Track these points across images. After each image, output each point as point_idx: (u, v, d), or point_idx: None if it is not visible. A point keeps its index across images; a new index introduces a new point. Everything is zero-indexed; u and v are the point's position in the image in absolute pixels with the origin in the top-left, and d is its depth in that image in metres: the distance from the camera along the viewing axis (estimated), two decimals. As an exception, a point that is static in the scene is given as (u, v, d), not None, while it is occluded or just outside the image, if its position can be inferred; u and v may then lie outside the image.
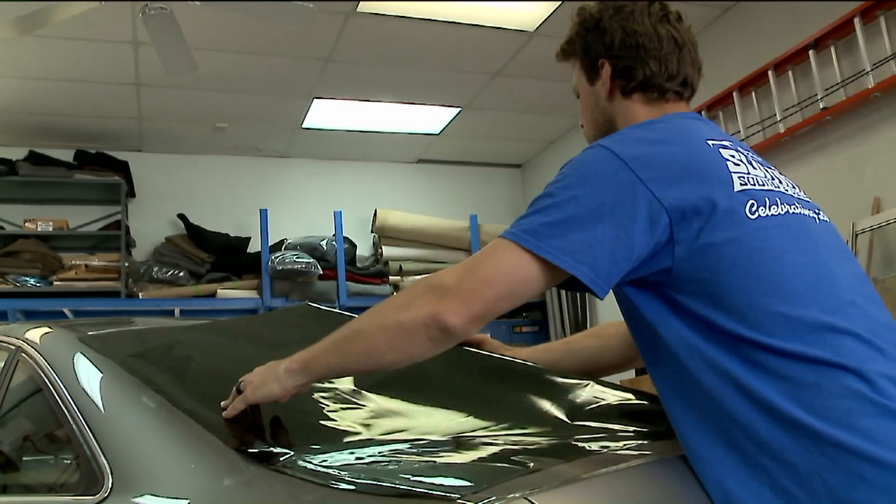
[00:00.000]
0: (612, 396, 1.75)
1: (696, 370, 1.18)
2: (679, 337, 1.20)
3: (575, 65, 1.55)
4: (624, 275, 1.19)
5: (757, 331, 1.15)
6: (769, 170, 1.32)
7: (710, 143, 1.28)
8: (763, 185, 1.25)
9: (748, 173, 1.25)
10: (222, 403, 1.39)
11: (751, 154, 1.33)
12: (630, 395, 1.73)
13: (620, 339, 1.72)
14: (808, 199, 1.34)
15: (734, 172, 1.23)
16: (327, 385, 1.81)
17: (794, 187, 1.34)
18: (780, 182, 1.31)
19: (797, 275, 1.19)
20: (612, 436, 1.45)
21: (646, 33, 1.41)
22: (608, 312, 6.33)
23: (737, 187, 1.21)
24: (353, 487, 1.08)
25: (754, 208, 1.20)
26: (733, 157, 1.26)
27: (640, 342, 1.30)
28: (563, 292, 6.57)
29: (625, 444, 1.35)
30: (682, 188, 1.18)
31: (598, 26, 1.47)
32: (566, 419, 1.63)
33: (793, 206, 1.26)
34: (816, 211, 1.33)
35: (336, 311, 2.50)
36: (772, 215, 1.22)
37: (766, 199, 1.23)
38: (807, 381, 1.12)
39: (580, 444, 1.37)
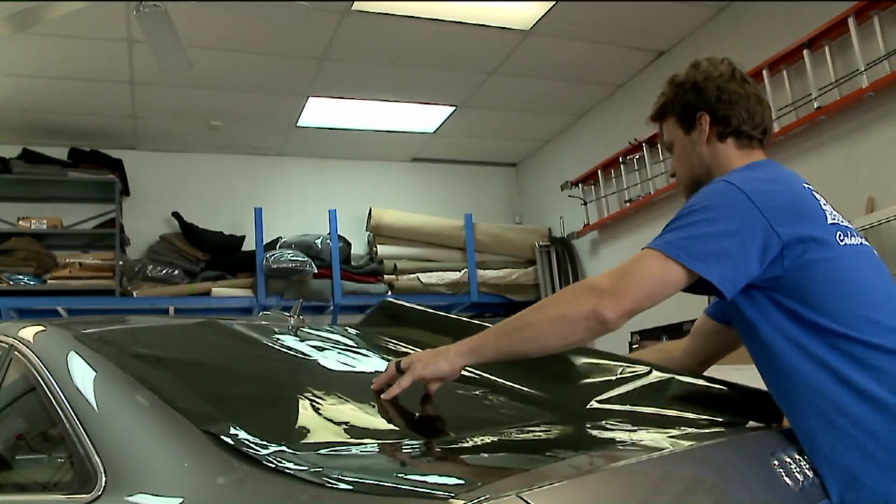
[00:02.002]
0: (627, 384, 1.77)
1: (795, 359, 1.48)
2: (782, 332, 1.50)
3: (668, 122, 1.87)
4: (743, 282, 1.49)
5: (848, 328, 1.45)
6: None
7: (805, 186, 1.64)
8: (842, 221, 1.61)
9: (833, 211, 1.61)
10: (377, 382, 1.61)
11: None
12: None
13: (682, 353, 2.05)
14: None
15: (825, 210, 1.59)
16: (322, 384, 1.81)
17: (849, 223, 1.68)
18: (844, 218, 1.66)
19: (874, 290, 1.54)
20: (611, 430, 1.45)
21: (734, 91, 1.77)
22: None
23: (829, 221, 1.56)
24: (346, 486, 1.08)
25: (841, 238, 1.55)
26: (820, 198, 1.63)
27: (749, 340, 1.60)
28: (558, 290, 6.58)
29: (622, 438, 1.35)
30: (792, 220, 1.50)
31: (695, 86, 1.79)
32: (575, 407, 1.64)
33: (861, 239, 1.63)
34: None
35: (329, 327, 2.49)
36: (852, 244, 1.57)
37: (848, 231, 1.59)
38: (886, 367, 1.43)
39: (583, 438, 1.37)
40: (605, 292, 1.44)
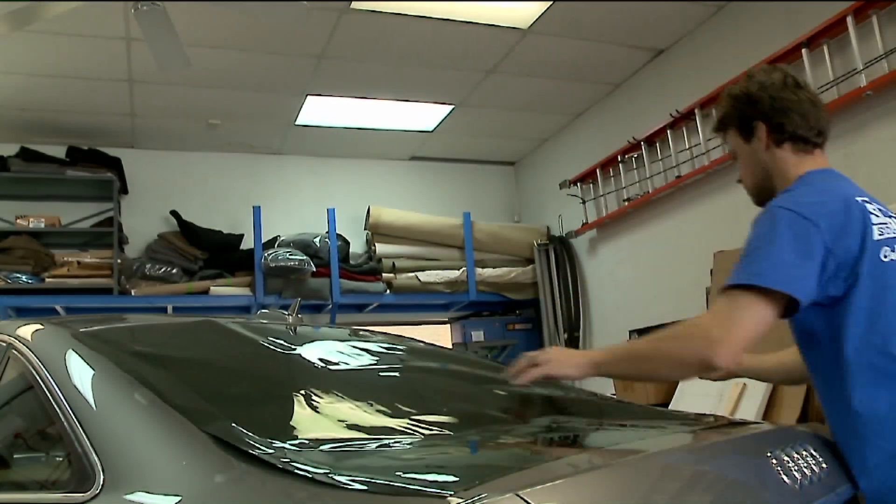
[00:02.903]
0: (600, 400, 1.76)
1: (841, 373, 1.65)
2: (834, 347, 1.66)
3: (729, 133, 1.97)
4: (812, 299, 1.63)
5: (882, 344, 1.63)
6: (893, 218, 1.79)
7: (857, 199, 1.73)
8: (893, 234, 1.71)
9: (884, 224, 1.71)
10: (512, 370, 1.79)
11: (884, 208, 1.79)
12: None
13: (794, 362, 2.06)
14: None
15: (874, 224, 1.68)
16: (319, 383, 1.81)
17: None
18: None
19: None
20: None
21: (787, 98, 1.87)
22: (599, 312, 6.34)
23: (876, 236, 1.67)
24: (344, 484, 1.08)
25: (886, 254, 1.68)
26: (874, 211, 1.72)
27: (810, 353, 1.75)
28: (556, 291, 6.58)
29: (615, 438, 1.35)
30: (844, 239, 1.64)
31: (749, 98, 1.89)
32: (560, 415, 1.64)
33: None
34: None
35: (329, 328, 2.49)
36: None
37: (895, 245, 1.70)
38: None
39: (570, 440, 1.37)
40: (718, 343, 1.58)
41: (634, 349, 1.81)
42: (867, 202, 1.74)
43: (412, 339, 2.54)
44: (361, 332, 2.43)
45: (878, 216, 1.71)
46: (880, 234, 1.68)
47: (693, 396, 4.51)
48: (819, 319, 1.69)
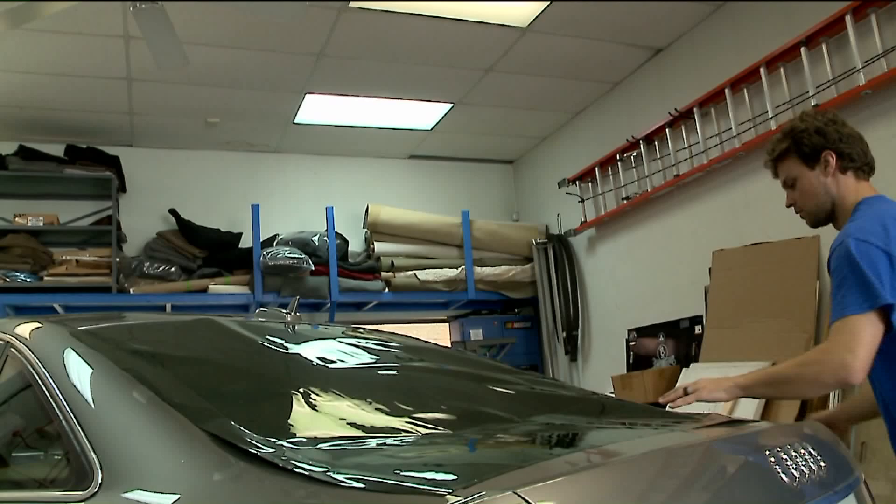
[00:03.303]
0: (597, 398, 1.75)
1: None
2: None
3: (788, 162, 2.27)
4: None
5: None
6: None
7: None
8: None
9: None
10: (666, 398, 2.13)
11: None
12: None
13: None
14: None
15: None
16: (318, 381, 1.81)
17: None
18: None
19: None
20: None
21: (850, 133, 2.25)
22: (597, 310, 6.34)
23: None
24: (342, 482, 1.08)
25: None
26: None
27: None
28: (555, 289, 6.59)
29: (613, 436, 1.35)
30: None
31: (818, 131, 2.22)
32: (558, 415, 1.64)
33: None
34: None
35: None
36: None
37: None
38: None
39: (568, 438, 1.37)
40: (850, 364, 1.91)
41: (777, 374, 2.13)
42: None
43: (410, 337, 2.54)
44: (359, 330, 2.43)
45: None
46: None
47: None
48: None
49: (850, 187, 2.21)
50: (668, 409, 2.14)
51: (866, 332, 1.92)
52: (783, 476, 1.33)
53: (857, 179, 2.23)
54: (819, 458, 1.46)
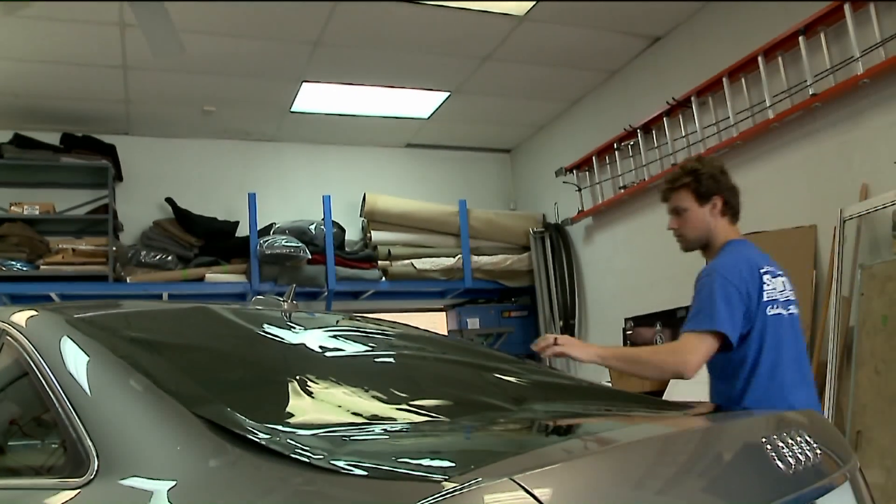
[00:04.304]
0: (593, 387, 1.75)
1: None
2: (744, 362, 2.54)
3: (683, 193, 2.70)
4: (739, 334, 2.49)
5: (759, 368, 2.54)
6: (784, 279, 2.64)
7: (759, 264, 2.57)
8: (776, 297, 2.54)
9: (773, 289, 2.54)
10: (539, 344, 2.51)
11: (774, 269, 2.62)
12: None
13: None
14: (790, 299, 2.63)
15: (764, 289, 2.53)
16: (315, 369, 1.81)
17: (789, 290, 2.63)
18: (785, 288, 2.60)
19: (785, 348, 2.54)
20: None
21: (733, 185, 2.75)
22: (594, 299, 6.35)
23: (764, 298, 2.52)
24: (340, 469, 1.08)
25: (769, 309, 2.52)
26: (767, 280, 2.55)
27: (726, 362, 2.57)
28: (552, 278, 6.59)
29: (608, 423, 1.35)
30: (752, 295, 2.50)
31: (714, 177, 2.69)
32: (552, 403, 1.64)
33: (788, 310, 2.58)
34: (791, 308, 2.61)
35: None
36: (774, 314, 2.52)
37: (775, 304, 2.54)
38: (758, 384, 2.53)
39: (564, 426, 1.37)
40: (690, 366, 2.42)
41: (633, 354, 2.59)
42: (764, 273, 2.55)
43: (407, 325, 2.54)
44: (356, 318, 2.43)
45: (771, 279, 2.55)
46: (767, 297, 2.51)
47: (687, 385, 4.51)
48: (737, 354, 2.50)
49: (724, 229, 2.69)
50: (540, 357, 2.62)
51: (705, 344, 2.43)
52: (779, 463, 1.33)
53: (730, 223, 2.72)
54: (815, 445, 1.46)
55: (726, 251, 2.64)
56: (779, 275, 2.61)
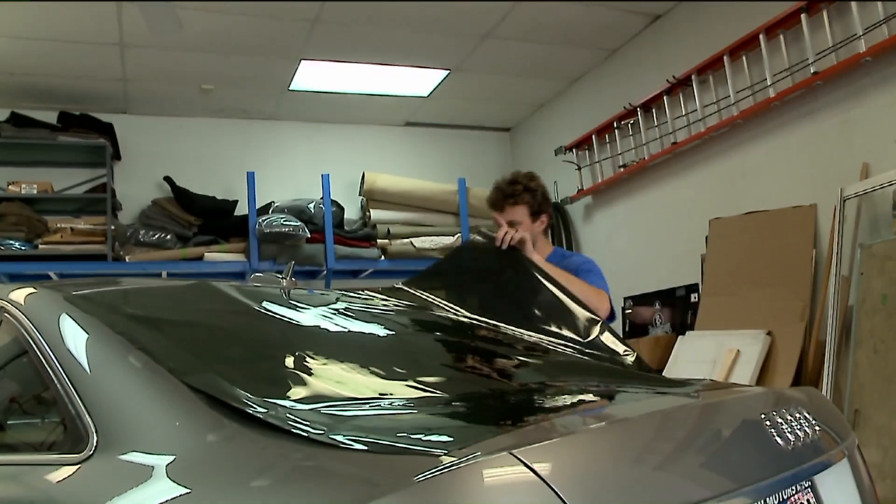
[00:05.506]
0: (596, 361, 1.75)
1: None
2: None
3: (521, 208, 3.07)
4: None
5: None
6: None
7: None
8: None
9: None
10: (499, 236, 2.64)
11: None
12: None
13: None
14: None
15: None
16: (315, 344, 1.81)
17: None
18: None
19: None
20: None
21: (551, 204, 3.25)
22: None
23: None
24: (340, 443, 1.08)
25: None
26: None
27: None
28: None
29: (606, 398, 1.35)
30: None
31: (546, 197, 3.17)
32: (554, 376, 1.64)
33: None
34: None
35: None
36: None
37: None
38: None
39: (563, 400, 1.37)
40: (607, 311, 2.81)
41: (571, 279, 2.71)
42: None
43: (408, 291, 2.49)
44: (356, 293, 2.43)
45: None
46: None
47: (686, 363, 4.53)
48: None
49: (542, 239, 3.17)
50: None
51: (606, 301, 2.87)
52: (778, 440, 1.33)
53: (545, 237, 3.28)
54: (814, 422, 1.47)
55: (568, 252, 3.31)
56: None
